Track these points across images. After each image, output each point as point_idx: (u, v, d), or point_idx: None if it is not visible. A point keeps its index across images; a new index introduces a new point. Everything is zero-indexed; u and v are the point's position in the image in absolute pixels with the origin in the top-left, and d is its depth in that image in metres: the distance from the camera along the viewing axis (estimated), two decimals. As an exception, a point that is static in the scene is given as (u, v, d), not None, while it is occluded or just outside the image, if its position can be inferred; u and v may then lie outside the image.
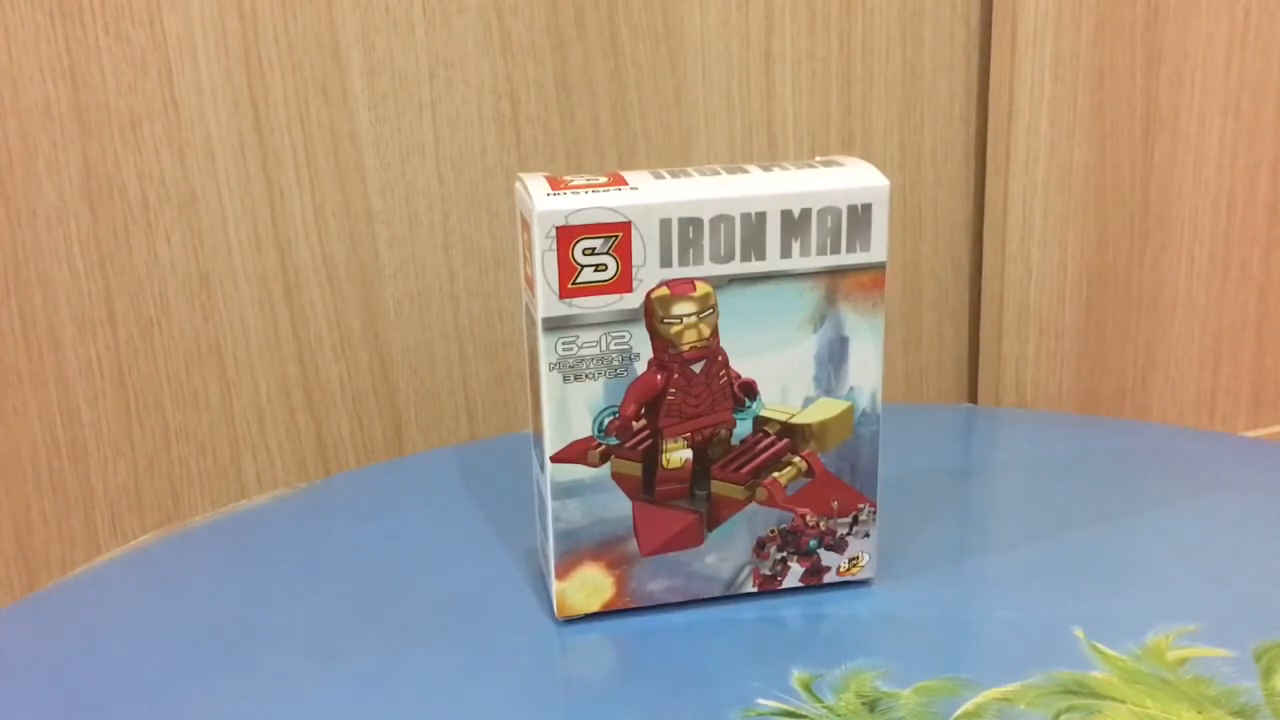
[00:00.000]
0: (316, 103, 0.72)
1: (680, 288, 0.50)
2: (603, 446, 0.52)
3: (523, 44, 0.74)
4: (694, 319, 0.50)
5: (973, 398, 0.89)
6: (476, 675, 0.51)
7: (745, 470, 0.53)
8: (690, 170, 0.52)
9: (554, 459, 0.52)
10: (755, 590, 0.55)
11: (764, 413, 0.53)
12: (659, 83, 0.76)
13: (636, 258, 0.49)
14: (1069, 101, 0.81)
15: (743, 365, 0.52)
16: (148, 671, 0.52)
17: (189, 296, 0.73)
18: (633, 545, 0.53)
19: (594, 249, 0.49)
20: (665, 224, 0.49)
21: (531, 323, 0.51)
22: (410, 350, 0.78)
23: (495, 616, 0.55)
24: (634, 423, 0.52)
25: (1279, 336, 0.92)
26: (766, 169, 0.51)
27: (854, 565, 0.56)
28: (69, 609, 0.58)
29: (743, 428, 0.53)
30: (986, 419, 0.78)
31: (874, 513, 0.55)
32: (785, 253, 0.50)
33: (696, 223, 0.49)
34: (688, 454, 0.53)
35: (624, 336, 0.50)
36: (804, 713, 0.47)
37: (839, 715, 0.47)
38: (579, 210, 0.48)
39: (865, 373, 0.53)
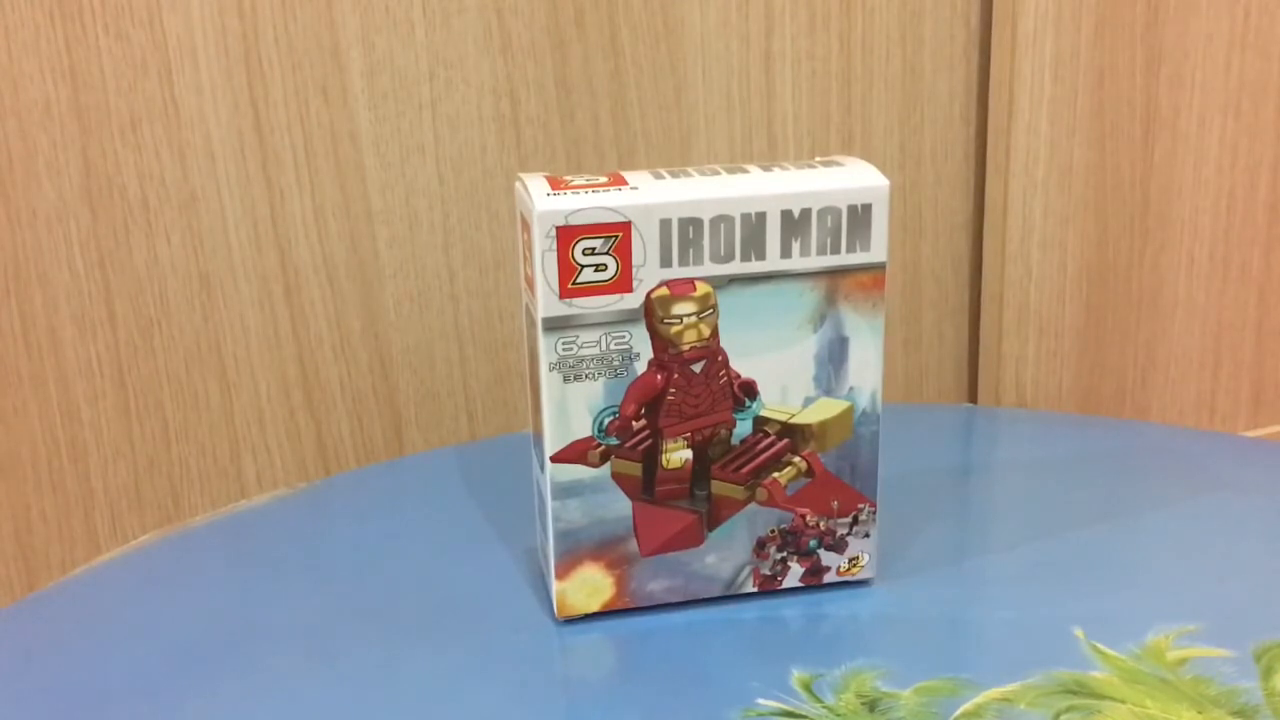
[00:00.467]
0: (316, 103, 0.72)
1: (680, 288, 0.50)
2: (603, 446, 0.52)
3: (523, 44, 0.74)
4: (694, 319, 0.50)
5: (973, 398, 0.89)
6: (476, 675, 0.51)
7: (745, 470, 0.53)
8: (690, 170, 0.52)
9: (554, 459, 0.51)
10: (755, 590, 0.55)
11: (764, 413, 0.52)
12: (659, 83, 0.76)
13: (636, 258, 0.49)
14: (1069, 101, 0.81)
15: (743, 365, 0.52)
16: (148, 671, 0.52)
17: (189, 296, 0.73)
18: (633, 545, 0.53)
19: (594, 249, 0.49)
20: (665, 224, 0.49)
21: (531, 323, 0.51)
22: (410, 350, 0.78)
23: (495, 616, 0.55)
24: (634, 423, 0.52)
25: (1279, 336, 0.92)
26: (766, 169, 0.51)
27: (854, 565, 0.56)
28: (69, 609, 0.58)
29: (743, 428, 0.53)
30: (986, 419, 0.78)
31: (874, 513, 0.55)
32: (785, 253, 0.50)
33: (696, 223, 0.49)
34: (688, 454, 0.53)
35: (624, 336, 0.50)
36: (804, 713, 0.47)
37: (839, 715, 0.47)
38: (579, 210, 0.48)
39: (865, 373, 0.53)
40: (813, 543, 0.55)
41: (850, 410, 0.53)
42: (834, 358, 0.52)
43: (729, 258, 0.50)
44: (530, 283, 0.50)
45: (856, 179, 0.51)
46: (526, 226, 0.50)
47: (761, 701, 0.48)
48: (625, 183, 0.50)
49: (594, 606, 0.54)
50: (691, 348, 0.51)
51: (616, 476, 0.52)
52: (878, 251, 0.51)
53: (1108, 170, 0.83)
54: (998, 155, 0.82)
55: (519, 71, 0.74)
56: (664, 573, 0.54)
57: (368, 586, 0.58)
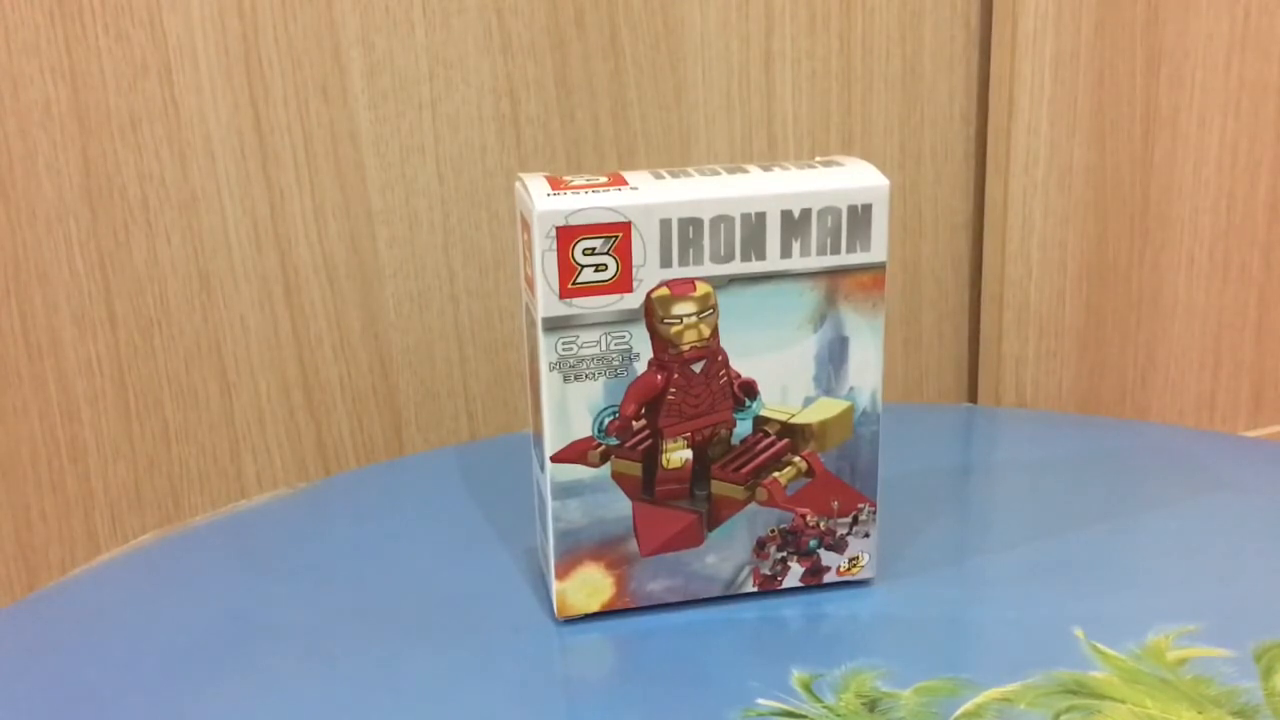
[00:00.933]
0: (316, 103, 0.72)
1: (680, 288, 0.50)
2: (603, 446, 0.52)
3: (523, 44, 0.74)
4: (694, 319, 0.50)
5: (973, 398, 0.89)
6: (476, 675, 0.51)
7: (745, 470, 0.53)
8: (690, 170, 0.52)
9: (554, 459, 0.51)
10: (755, 590, 0.55)
11: (764, 413, 0.52)
12: (659, 83, 0.76)
13: (636, 258, 0.49)
14: (1069, 101, 0.81)
15: (743, 365, 0.52)
16: (148, 671, 0.52)
17: (189, 296, 0.73)
18: (633, 545, 0.53)
19: (594, 249, 0.49)
20: (665, 224, 0.49)
21: (531, 323, 0.51)
22: (410, 350, 0.78)
23: (495, 616, 0.55)
24: (634, 423, 0.52)
25: (1279, 336, 0.92)
26: (766, 169, 0.51)
27: (854, 565, 0.56)
28: (69, 609, 0.58)
29: (743, 428, 0.53)
30: (986, 419, 0.78)
31: (874, 513, 0.55)
32: (785, 253, 0.50)
33: (696, 223, 0.49)
34: (688, 454, 0.53)
35: (624, 336, 0.50)
36: (804, 713, 0.47)
37: (839, 715, 0.47)
38: (579, 210, 0.48)
39: (865, 373, 0.53)
40: (813, 543, 0.55)
41: (850, 410, 0.53)
42: (834, 358, 0.52)
43: (729, 258, 0.50)
44: (530, 283, 0.50)
45: (856, 179, 0.51)
46: (526, 226, 0.50)
47: (761, 701, 0.48)
48: (625, 183, 0.50)
49: (594, 606, 0.54)
50: (691, 348, 0.51)
51: (616, 476, 0.52)
52: (878, 251, 0.51)
53: (1108, 170, 0.83)
54: (998, 155, 0.82)
55: (519, 71, 0.74)
56: (664, 573, 0.54)
57: (368, 586, 0.58)
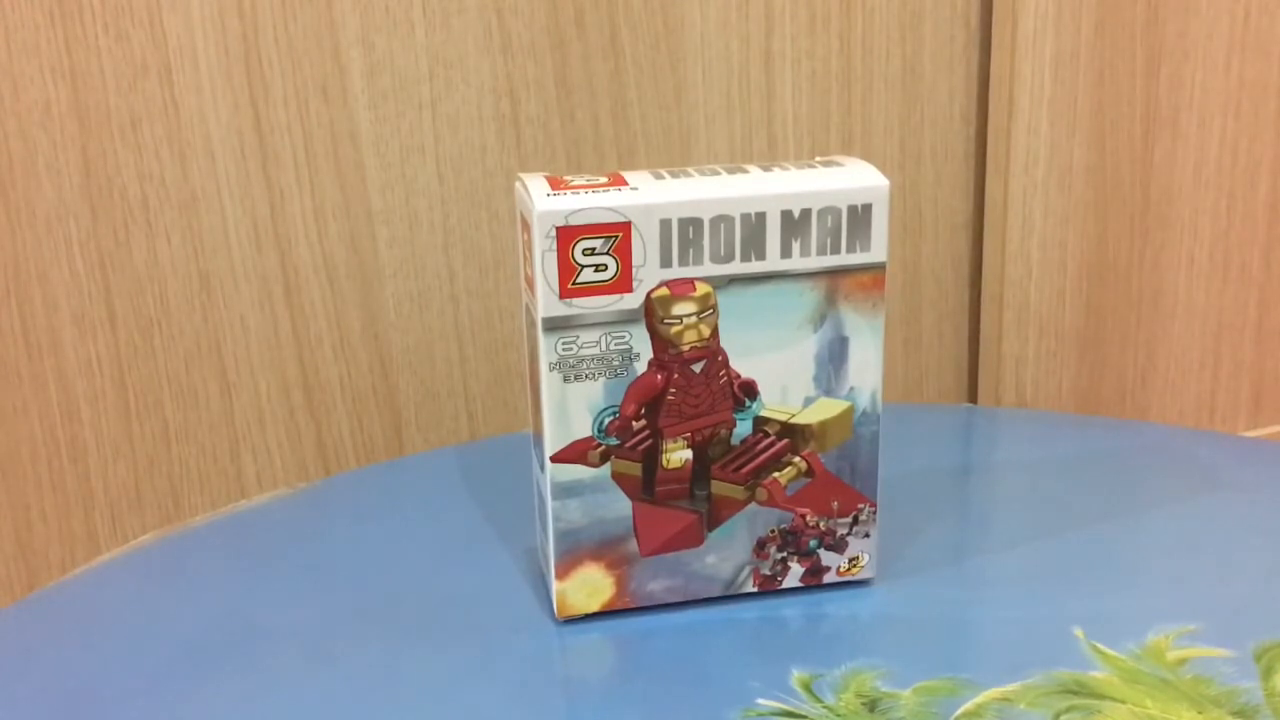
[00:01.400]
0: (316, 103, 0.72)
1: (680, 288, 0.50)
2: (603, 446, 0.52)
3: (523, 44, 0.74)
4: (694, 319, 0.50)
5: (973, 398, 0.89)
6: (476, 675, 0.51)
7: (745, 470, 0.53)
8: (690, 170, 0.52)
9: (554, 459, 0.51)
10: (755, 590, 0.55)
11: (764, 413, 0.52)
12: (659, 83, 0.76)
13: (636, 258, 0.49)
14: (1069, 101, 0.81)
15: (743, 365, 0.52)
16: (148, 671, 0.52)
17: (189, 296, 0.73)
18: (633, 545, 0.53)
19: (594, 249, 0.49)
20: (665, 224, 0.49)
21: (531, 323, 0.51)
22: (410, 350, 0.78)
23: (495, 616, 0.55)
24: (634, 423, 0.52)
25: (1279, 336, 0.92)
26: (766, 169, 0.51)
27: (854, 565, 0.56)
28: (69, 609, 0.58)
29: (743, 428, 0.53)
30: (986, 419, 0.78)
31: (874, 513, 0.55)
32: (785, 253, 0.50)
33: (696, 223, 0.49)
34: (688, 454, 0.53)
35: (624, 336, 0.50)
36: (804, 713, 0.47)
37: (839, 715, 0.47)
38: (579, 210, 0.48)
39: (865, 373, 0.53)
40: (813, 543, 0.55)
41: (850, 410, 0.53)
42: (834, 358, 0.52)
43: (729, 258, 0.50)
44: (530, 283, 0.50)
45: (856, 179, 0.51)
46: (526, 226, 0.50)
47: (761, 701, 0.48)
48: (625, 183, 0.50)
49: (594, 606, 0.54)
50: (691, 348, 0.51)
51: (616, 476, 0.52)
52: (878, 251, 0.51)
53: (1108, 170, 0.83)
54: (998, 155, 0.82)
55: (519, 71, 0.74)
56: (664, 573, 0.54)
57: (368, 586, 0.58)
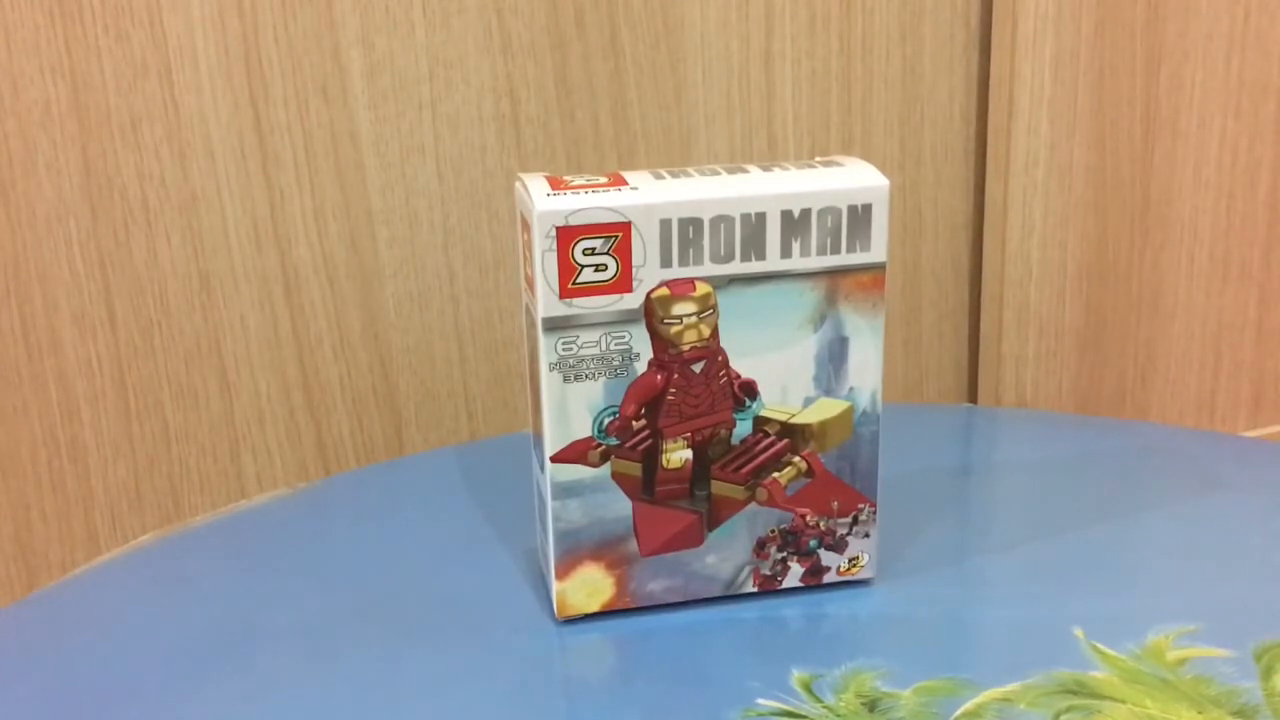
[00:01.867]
0: (316, 103, 0.72)
1: (680, 288, 0.50)
2: (603, 446, 0.52)
3: (523, 44, 0.74)
4: (694, 319, 0.50)
5: (973, 398, 0.89)
6: (476, 675, 0.51)
7: (745, 470, 0.53)
8: (690, 170, 0.52)
9: (554, 459, 0.51)
10: (755, 590, 0.55)
11: (764, 413, 0.52)
12: (659, 83, 0.76)
13: (636, 258, 0.49)
14: (1069, 101, 0.81)
15: (743, 365, 0.52)
16: (148, 671, 0.52)
17: (189, 296, 0.73)
18: (633, 545, 0.53)
19: (594, 249, 0.49)
20: (665, 224, 0.49)
21: (531, 323, 0.51)
22: (410, 350, 0.78)
23: (495, 616, 0.55)
24: (634, 423, 0.52)
25: (1279, 336, 0.92)
26: (766, 169, 0.51)
27: (854, 565, 0.56)
28: (69, 609, 0.58)
29: (743, 428, 0.53)
30: (986, 419, 0.78)
31: (874, 513, 0.55)
32: (785, 253, 0.50)
33: (696, 223, 0.49)
34: (688, 454, 0.53)
35: (624, 336, 0.50)
36: (804, 713, 0.47)
37: (839, 715, 0.47)
38: (579, 210, 0.48)
39: (865, 373, 0.53)
40: (813, 543, 0.55)
41: (850, 410, 0.53)
42: (834, 358, 0.52)
43: (729, 258, 0.50)
44: (530, 283, 0.50)
45: (856, 179, 0.51)
46: (526, 226, 0.50)
47: (761, 701, 0.48)
48: (625, 183, 0.50)
49: (594, 606, 0.54)
50: (691, 348, 0.51)
51: (616, 476, 0.52)
52: (878, 251, 0.51)
53: (1108, 170, 0.83)
54: (998, 155, 0.82)
55: (519, 71, 0.74)
56: (664, 573, 0.54)
57: (368, 586, 0.58)
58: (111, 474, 0.75)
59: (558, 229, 0.48)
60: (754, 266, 0.50)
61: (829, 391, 0.53)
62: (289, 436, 0.77)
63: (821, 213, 0.50)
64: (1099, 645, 0.51)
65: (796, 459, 0.53)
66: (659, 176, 0.51)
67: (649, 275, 0.50)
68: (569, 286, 0.49)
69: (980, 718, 0.47)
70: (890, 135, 0.82)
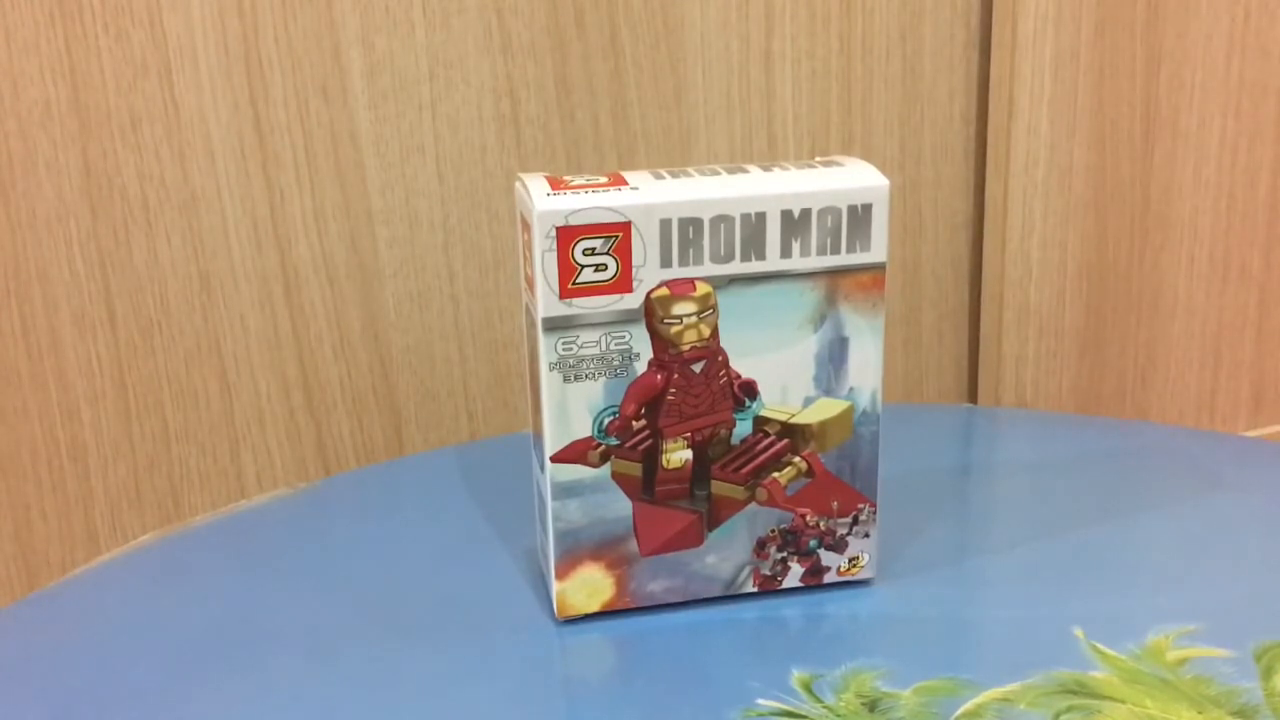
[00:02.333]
0: (316, 103, 0.72)
1: (680, 288, 0.50)
2: (603, 446, 0.52)
3: (523, 44, 0.74)
4: (694, 319, 0.50)
5: (973, 398, 0.89)
6: (476, 675, 0.51)
7: (745, 470, 0.53)
8: (690, 170, 0.52)
9: (554, 459, 0.51)
10: (755, 590, 0.55)
11: (764, 413, 0.52)
12: (659, 83, 0.76)
13: (636, 258, 0.49)
14: (1069, 101, 0.81)
15: (743, 365, 0.52)
16: (148, 671, 0.52)
17: (189, 296, 0.73)
18: (633, 545, 0.53)
19: (594, 249, 0.49)
20: (665, 224, 0.49)
21: (531, 323, 0.51)
22: (410, 350, 0.78)
23: (495, 616, 0.55)
24: (634, 423, 0.52)
25: (1279, 336, 0.92)
26: (766, 169, 0.51)
27: (854, 565, 0.56)
28: (69, 609, 0.58)
29: (743, 428, 0.53)
30: (986, 419, 0.78)
31: (874, 513, 0.55)
32: (785, 253, 0.50)
33: (696, 223, 0.49)
34: (688, 454, 0.53)
35: (624, 336, 0.50)
36: (804, 713, 0.47)
37: (839, 715, 0.47)
38: (579, 210, 0.48)
39: (865, 373, 0.53)
40: (813, 543, 0.55)
41: (850, 410, 0.53)
42: (834, 358, 0.52)
43: (729, 258, 0.50)
44: (530, 283, 0.50)
45: (856, 179, 0.51)
46: (526, 226, 0.50)
47: (761, 701, 0.48)
48: (625, 183, 0.50)
49: (594, 606, 0.54)
50: (691, 348, 0.51)
51: (616, 476, 0.52)
52: (878, 251, 0.51)
53: (1108, 170, 0.83)
54: (998, 155, 0.82)
55: (519, 71, 0.74)
56: (664, 573, 0.54)
57: (368, 586, 0.58)
58: (111, 474, 0.75)
59: (558, 229, 0.48)
60: (754, 266, 0.50)
61: (829, 391, 0.53)
62: (289, 436, 0.77)
63: (821, 213, 0.50)
64: (1099, 645, 0.51)
65: (796, 459, 0.53)
66: (659, 176, 0.51)
67: (649, 275, 0.50)
68: (569, 286, 0.49)
69: (980, 718, 0.47)
70: (890, 135, 0.82)
